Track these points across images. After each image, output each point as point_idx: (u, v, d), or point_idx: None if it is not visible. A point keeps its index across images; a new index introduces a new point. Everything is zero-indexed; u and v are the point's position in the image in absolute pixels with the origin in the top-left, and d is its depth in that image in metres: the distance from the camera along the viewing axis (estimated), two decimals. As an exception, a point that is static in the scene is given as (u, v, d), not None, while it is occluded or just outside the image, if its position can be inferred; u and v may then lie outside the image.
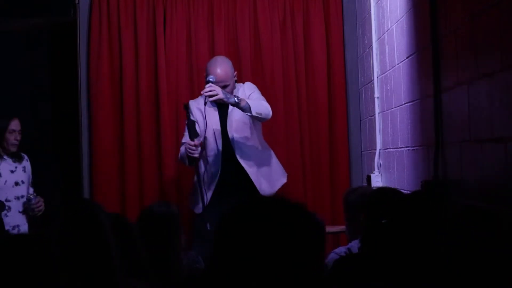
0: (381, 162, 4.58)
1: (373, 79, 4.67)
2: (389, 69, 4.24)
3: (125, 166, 5.26)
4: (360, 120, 5.35)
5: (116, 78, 5.30)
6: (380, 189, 3.40)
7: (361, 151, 5.35)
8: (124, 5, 5.28)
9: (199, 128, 4.41)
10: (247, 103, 4.22)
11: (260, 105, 4.31)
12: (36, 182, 4.78)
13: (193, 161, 4.34)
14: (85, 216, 2.22)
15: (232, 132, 4.44)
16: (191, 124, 4.34)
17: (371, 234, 2.74)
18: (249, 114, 4.25)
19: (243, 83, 4.67)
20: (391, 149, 4.26)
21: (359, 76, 5.33)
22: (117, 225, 2.58)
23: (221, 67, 4.38)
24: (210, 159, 4.48)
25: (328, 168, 5.36)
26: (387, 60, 4.29)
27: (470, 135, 2.79)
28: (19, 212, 4.50)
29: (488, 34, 2.58)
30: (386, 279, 2.10)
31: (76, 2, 5.33)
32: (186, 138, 4.45)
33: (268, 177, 4.59)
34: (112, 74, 5.29)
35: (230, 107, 4.37)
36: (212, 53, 5.30)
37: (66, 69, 5.62)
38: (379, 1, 4.53)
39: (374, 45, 4.65)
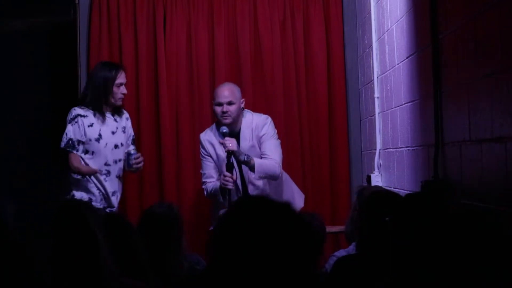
0: (381, 162, 4.58)
1: (373, 79, 4.67)
2: (389, 69, 4.24)
3: (125, 166, 5.25)
4: (360, 120, 5.35)
5: (116, 78, 5.30)
6: (374, 191, 3.37)
7: (361, 151, 5.35)
8: (124, 5, 5.28)
9: (214, 161, 4.47)
10: (254, 165, 4.31)
11: (266, 169, 4.37)
12: (36, 182, 4.75)
13: (226, 194, 4.29)
14: (72, 217, 2.23)
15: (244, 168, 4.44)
16: (230, 165, 4.30)
17: (367, 236, 2.74)
18: (252, 174, 4.35)
19: (262, 114, 4.60)
20: (391, 149, 4.26)
21: (359, 76, 5.33)
22: (114, 224, 2.58)
23: (226, 86, 4.50)
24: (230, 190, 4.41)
25: (328, 168, 5.36)
26: (387, 60, 4.29)
27: (470, 135, 2.79)
28: (116, 176, 4.33)
29: (488, 34, 2.57)
30: (385, 279, 2.10)
31: (76, 2, 5.32)
32: (205, 170, 4.49)
33: None
34: (112, 74, 5.28)
35: (241, 142, 4.39)
36: (212, 53, 5.30)
37: (66, 69, 5.61)
38: (379, 1, 4.53)
39: (374, 45, 4.65)
